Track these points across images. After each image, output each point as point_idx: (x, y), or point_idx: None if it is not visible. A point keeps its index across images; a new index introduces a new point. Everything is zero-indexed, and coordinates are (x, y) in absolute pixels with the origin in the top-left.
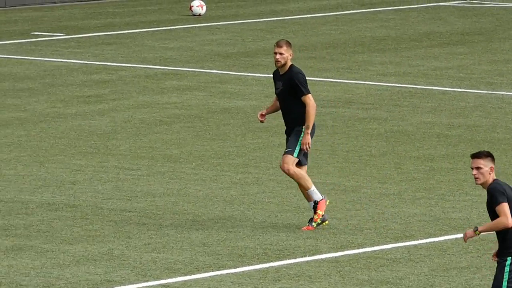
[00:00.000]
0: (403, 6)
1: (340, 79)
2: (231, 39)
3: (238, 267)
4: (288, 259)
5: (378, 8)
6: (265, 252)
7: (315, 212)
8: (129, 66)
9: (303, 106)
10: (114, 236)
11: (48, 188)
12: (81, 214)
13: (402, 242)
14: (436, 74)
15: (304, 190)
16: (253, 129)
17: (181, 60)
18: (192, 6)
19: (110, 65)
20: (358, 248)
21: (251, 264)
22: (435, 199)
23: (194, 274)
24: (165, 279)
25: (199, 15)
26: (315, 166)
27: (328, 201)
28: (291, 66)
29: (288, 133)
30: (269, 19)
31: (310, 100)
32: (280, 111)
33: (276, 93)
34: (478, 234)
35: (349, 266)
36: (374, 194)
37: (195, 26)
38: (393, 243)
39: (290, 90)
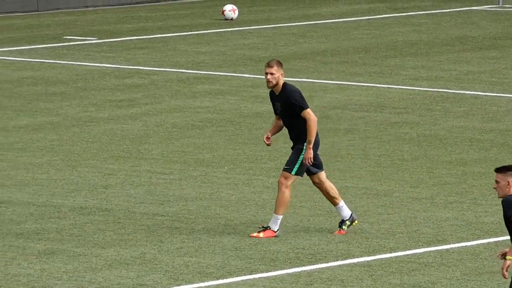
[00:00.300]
0: (435, 10)
1: (372, 83)
2: (263, 43)
3: (270, 271)
4: (320, 263)
5: (410, 12)
6: (297, 256)
7: (259, 231)
8: (162, 70)
9: (305, 122)
10: (146, 240)
11: (81, 192)
12: (113, 218)
13: (434, 246)
14: (468, 79)
15: (275, 210)
16: (285, 133)
17: (213, 65)
18: (225, 10)
19: (143, 69)
20: (390, 252)
21: (283, 268)
22: (467, 203)
23: (226, 278)
24: (197, 283)
25: (232, 19)
26: (347, 170)
27: (277, 236)
28: (284, 85)
29: (292, 149)
30: (301, 23)
31: (309, 114)
32: (284, 128)
33: (276, 113)
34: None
35: (381, 270)
36: (406, 198)
37: (228, 31)
38: (425, 247)
39: (289, 110)
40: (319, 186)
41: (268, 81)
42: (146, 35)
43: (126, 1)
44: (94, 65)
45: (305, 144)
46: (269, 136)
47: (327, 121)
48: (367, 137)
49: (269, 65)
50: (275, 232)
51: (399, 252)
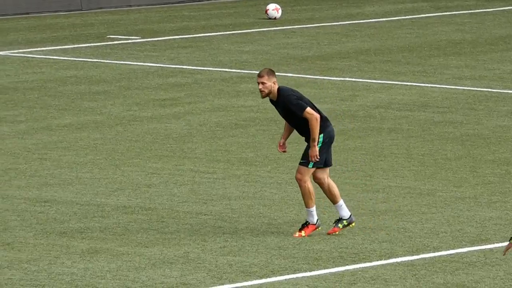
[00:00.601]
0: (479, 9)
1: (415, 82)
2: (306, 42)
3: (314, 270)
4: (364, 262)
5: (454, 11)
6: (340, 255)
7: (300, 230)
8: (205, 70)
9: (306, 121)
10: (189, 239)
11: (124, 191)
12: (157, 217)
13: (477, 245)
14: None
15: (305, 205)
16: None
17: (257, 64)
18: (268, 9)
19: (186, 68)
20: (434, 252)
21: (327, 267)
22: (511, 202)
23: (269, 277)
24: (241, 282)
25: (275, 18)
26: (390, 169)
27: (319, 228)
28: (279, 90)
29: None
30: (344, 22)
31: (309, 113)
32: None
33: (280, 115)
34: None
35: (424, 269)
36: (449, 197)
37: (271, 30)
38: (468, 246)
39: (289, 113)
40: (320, 182)
41: (260, 91)
42: (190, 34)
43: (169, 0)
44: (137, 64)
45: (320, 136)
46: (282, 143)
47: (371, 120)
48: (410, 137)
49: (259, 75)
50: (315, 224)
51: (443, 251)
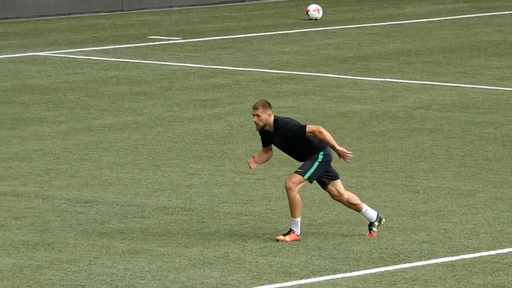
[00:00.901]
0: None
1: (456, 83)
2: (347, 43)
3: (354, 271)
4: (404, 263)
5: (495, 12)
6: (380, 256)
7: (284, 235)
8: (246, 70)
9: (307, 143)
10: (230, 240)
11: (164, 191)
12: (197, 217)
13: None
14: None
15: (291, 214)
16: (369, 133)
17: (297, 64)
18: (309, 10)
19: (227, 69)
20: (474, 253)
21: (367, 268)
22: None
23: (309, 277)
24: (281, 282)
25: (316, 19)
26: (431, 170)
27: (299, 241)
28: (275, 120)
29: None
30: (385, 23)
31: (312, 129)
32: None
33: (265, 146)
34: None
35: (464, 270)
36: (490, 198)
37: (312, 30)
38: (509, 247)
39: (289, 141)
40: (339, 199)
41: (256, 124)
42: (230, 35)
43: (210, 1)
44: (178, 65)
45: (320, 153)
46: (255, 161)
47: (411, 121)
48: (451, 137)
49: (254, 107)
50: (298, 236)
51: (483, 252)
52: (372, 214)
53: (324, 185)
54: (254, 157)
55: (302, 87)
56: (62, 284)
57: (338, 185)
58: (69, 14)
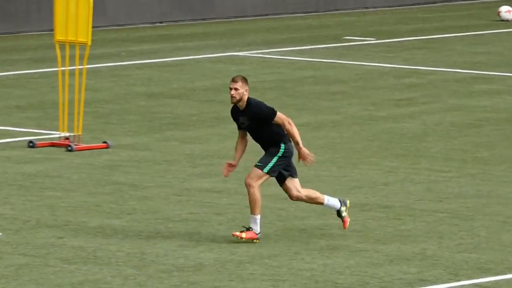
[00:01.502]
0: None
1: None
2: None
3: None
4: None
5: None
6: None
7: (241, 231)
8: (439, 70)
9: (272, 130)
10: (426, 236)
11: (362, 189)
12: (393, 214)
13: None
14: None
15: (250, 211)
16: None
17: (490, 65)
18: (500, 11)
19: (420, 69)
20: None
21: None
22: None
23: (505, 274)
24: (477, 278)
25: (508, 20)
26: None
27: (258, 240)
28: (249, 99)
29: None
30: None
31: (280, 118)
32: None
33: (241, 128)
34: None
35: None
36: None
37: (504, 31)
38: None
39: (258, 123)
40: (298, 196)
41: (232, 96)
42: (424, 36)
43: (404, 2)
44: (372, 65)
45: (281, 146)
46: (234, 164)
47: None
48: None
49: (233, 80)
50: (257, 234)
51: None
52: (335, 202)
53: (282, 182)
54: (229, 164)
55: (495, 87)
56: (263, 278)
57: (297, 183)
58: (266, 15)
